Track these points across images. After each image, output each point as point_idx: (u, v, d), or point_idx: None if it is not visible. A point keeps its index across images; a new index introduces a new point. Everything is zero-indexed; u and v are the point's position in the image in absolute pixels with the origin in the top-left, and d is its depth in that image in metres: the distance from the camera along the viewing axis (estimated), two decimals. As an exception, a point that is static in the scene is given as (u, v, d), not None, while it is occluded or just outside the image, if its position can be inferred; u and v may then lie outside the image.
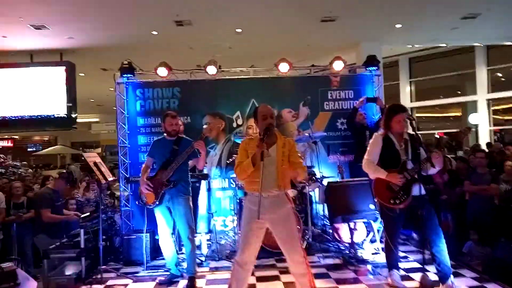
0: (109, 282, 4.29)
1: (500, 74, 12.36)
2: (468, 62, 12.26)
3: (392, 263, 3.82)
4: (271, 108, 3.25)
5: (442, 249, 3.45)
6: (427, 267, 3.70)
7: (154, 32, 7.92)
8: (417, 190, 3.52)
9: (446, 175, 5.58)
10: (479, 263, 4.32)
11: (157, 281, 4.26)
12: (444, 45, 10.82)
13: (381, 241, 4.76)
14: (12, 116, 8.71)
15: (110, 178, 4.62)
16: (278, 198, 3.12)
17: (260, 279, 4.21)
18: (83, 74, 10.36)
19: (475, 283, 3.83)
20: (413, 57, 12.97)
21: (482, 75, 12.08)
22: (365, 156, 3.73)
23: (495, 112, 12.53)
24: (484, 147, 9.33)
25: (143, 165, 4.32)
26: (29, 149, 21.18)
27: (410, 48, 11.62)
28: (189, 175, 4.29)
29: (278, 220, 3.12)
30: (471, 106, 12.49)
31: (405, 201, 3.52)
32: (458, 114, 13.70)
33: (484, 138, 11.66)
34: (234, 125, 6.07)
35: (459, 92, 13.27)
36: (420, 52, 12.36)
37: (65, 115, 8.73)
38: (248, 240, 3.13)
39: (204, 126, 4.15)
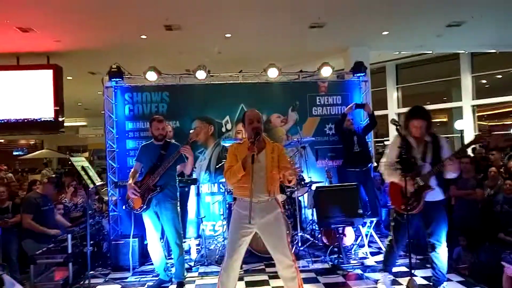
0: (97, 288, 4.25)
1: (484, 81, 12.62)
2: (453, 69, 12.50)
3: (387, 265, 3.83)
4: (258, 113, 3.25)
5: (442, 255, 3.49)
6: (414, 272, 3.74)
7: (143, 36, 7.90)
8: (432, 195, 3.43)
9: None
10: (466, 268, 4.40)
11: (146, 286, 4.23)
12: (430, 52, 11.01)
13: (382, 241, 4.82)
14: (-2, 120, 8.57)
15: (98, 183, 4.58)
16: (267, 203, 3.14)
17: (249, 284, 4.22)
18: (70, 78, 10.24)
19: (462, 287, 3.89)
20: (400, 63, 13.17)
21: (467, 82, 12.33)
22: (382, 159, 3.70)
23: (480, 118, 12.78)
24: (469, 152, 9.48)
25: (132, 170, 4.31)
26: (14, 153, 20.82)
27: (397, 55, 11.79)
28: (177, 180, 4.28)
29: (267, 225, 3.14)
30: (457, 112, 12.72)
31: (415, 207, 3.45)
32: (444, 119, 13.93)
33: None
34: (223, 129, 6.09)
35: (445, 99, 13.51)
36: (406, 59, 12.55)
37: (52, 119, 8.62)
38: (236, 245, 3.13)
39: (191, 131, 4.15)
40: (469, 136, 12.12)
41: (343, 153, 5.93)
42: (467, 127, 12.18)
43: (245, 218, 3.00)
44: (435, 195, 3.44)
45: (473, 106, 12.35)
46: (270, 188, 3.13)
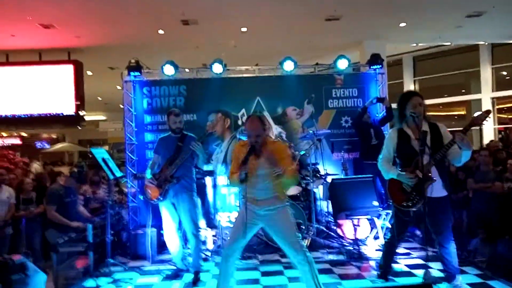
0: (116, 276, 4.37)
1: (505, 73, 12.31)
2: (472, 61, 12.23)
3: (387, 267, 3.72)
4: (258, 123, 3.15)
5: (451, 250, 3.37)
6: (430, 264, 3.73)
7: (161, 31, 8.01)
8: (434, 190, 3.20)
9: (459, 172, 5.59)
10: (484, 261, 4.36)
11: (163, 274, 4.35)
12: (449, 43, 10.80)
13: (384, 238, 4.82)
14: (21, 115, 8.84)
15: (119, 174, 4.71)
16: (269, 199, 3.18)
17: (264, 274, 4.29)
18: (90, 73, 10.47)
19: (478, 280, 3.85)
20: (417, 55, 12.96)
21: (486, 74, 12.06)
22: (380, 155, 3.56)
23: (500, 110, 12.50)
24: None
25: (150, 162, 4.42)
26: (37, 146, 21.38)
27: (414, 47, 11.60)
28: (194, 172, 4.37)
29: (271, 221, 3.20)
30: (476, 105, 12.46)
31: (417, 203, 3.26)
32: (463, 112, 13.67)
33: (488, 137, 11.64)
34: (240, 122, 6.14)
35: (464, 91, 13.24)
36: (424, 51, 12.34)
37: (73, 113, 8.85)
38: (236, 236, 3.20)
39: (208, 123, 4.23)
40: (488, 130, 11.90)
41: (360, 145, 5.92)
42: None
43: (248, 213, 3.10)
44: (438, 191, 3.24)
45: (492, 98, 12.08)
46: (278, 193, 3.17)
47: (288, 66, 5.99)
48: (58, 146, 20.24)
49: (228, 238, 3.32)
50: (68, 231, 4.75)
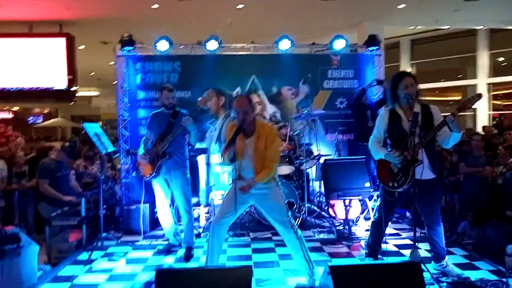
0: (109, 250, 4.42)
1: (502, 59, 12.30)
2: (470, 46, 12.18)
3: (376, 247, 3.76)
4: (245, 102, 3.20)
5: (439, 231, 3.41)
6: (418, 245, 3.80)
7: (155, 6, 7.84)
8: (423, 173, 3.17)
9: (454, 155, 5.64)
10: (471, 243, 4.45)
11: (156, 249, 4.39)
12: (447, 27, 10.73)
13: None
14: (11, 88, 8.69)
15: (111, 149, 4.69)
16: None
17: (256, 250, 4.35)
18: (83, 47, 10.28)
19: (465, 260, 3.94)
20: (415, 39, 12.87)
21: (483, 59, 12.04)
22: (371, 135, 3.54)
23: (495, 97, 12.55)
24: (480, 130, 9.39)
25: (143, 138, 4.40)
26: (29, 121, 21.18)
27: (412, 30, 11.51)
28: (186, 148, 4.36)
29: (262, 196, 3.25)
30: (471, 90, 12.50)
31: (403, 184, 3.26)
32: (458, 98, 13.71)
33: (482, 123, 11.73)
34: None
35: (460, 76, 13.24)
36: (422, 34, 12.25)
37: (65, 88, 8.72)
38: (226, 212, 3.27)
39: (199, 98, 4.21)
40: (482, 115, 11.97)
41: (356, 127, 5.91)
42: (481, 105, 11.99)
43: (237, 191, 3.15)
44: (426, 173, 3.22)
45: (488, 84, 12.10)
46: (258, 166, 3.19)
47: (284, 45, 5.91)
48: (51, 121, 20.05)
49: (218, 212, 3.36)
50: (61, 205, 4.76)
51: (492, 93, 12.33)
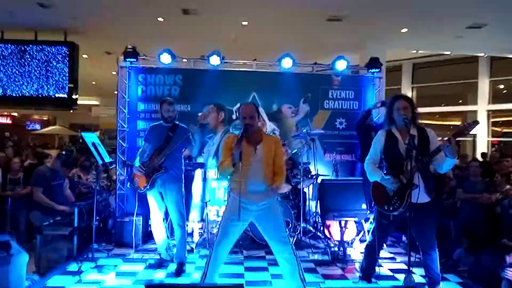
0: (100, 262, 4.35)
1: (502, 86, 12.40)
2: (471, 72, 12.29)
3: (369, 271, 3.71)
4: (252, 108, 3.23)
5: (434, 258, 3.36)
6: (413, 269, 3.75)
7: (160, 19, 7.92)
8: (418, 196, 3.11)
9: (454, 180, 5.62)
10: (466, 270, 4.39)
11: (147, 263, 4.32)
12: (448, 53, 10.85)
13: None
14: (12, 94, 8.70)
15: (108, 160, 4.65)
16: (261, 192, 3.16)
17: (248, 269, 4.28)
18: (86, 56, 10.35)
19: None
20: (416, 63, 12.99)
21: (484, 86, 12.14)
22: (367, 156, 3.53)
23: (494, 124, 12.60)
24: (479, 157, 9.40)
25: (140, 150, 4.38)
26: (28, 128, 21.15)
27: (414, 54, 11.63)
28: (183, 163, 4.33)
29: (262, 212, 3.18)
30: (471, 116, 12.56)
31: (398, 207, 3.22)
32: (458, 123, 13.77)
33: (481, 149, 11.74)
34: (234, 117, 6.10)
35: (461, 101, 13.33)
36: (424, 59, 12.38)
37: (65, 96, 8.74)
38: (227, 233, 3.18)
39: (199, 114, 4.21)
40: (482, 141, 11.99)
41: (361, 148, 5.87)
42: (480, 131, 12.02)
43: (238, 207, 3.06)
44: (422, 197, 3.18)
45: (488, 111, 12.17)
46: (268, 180, 3.16)
47: (287, 63, 5.96)
48: (49, 128, 20.05)
49: (218, 234, 3.25)
50: (53, 214, 4.71)
51: (492, 120, 12.38)
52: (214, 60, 5.85)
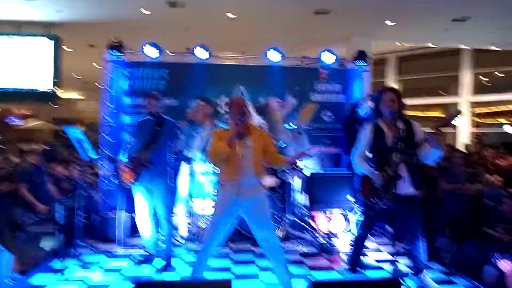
0: (85, 258, 4.30)
1: (485, 79, 12.60)
2: (454, 65, 12.46)
3: (356, 262, 3.78)
4: (243, 101, 3.30)
5: (419, 246, 3.43)
6: (398, 259, 3.81)
7: (146, 11, 7.80)
8: (403, 188, 3.22)
9: (435, 171, 5.68)
10: (448, 258, 4.48)
11: (133, 259, 4.29)
12: (434, 45, 10.95)
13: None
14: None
15: (93, 156, 4.59)
16: (253, 186, 3.16)
17: (236, 262, 4.30)
18: (70, 49, 10.14)
19: (442, 275, 4.00)
20: (402, 55, 13.10)
21: (466, 78, 12.32)
22: (354, 148, 3.56)
23: (476, 115, 12.81)
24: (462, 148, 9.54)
25: (126, 145, 4.32)
26: (9, 122, 20.65)
27: (399, 47, 11.73)
28: (170, 157, 4.30)
29: (251, 207, 3.18)
30: (453, 108, 12.73)
31: (384, 199, 3.28)
32: (441, 115, 13.94)
33: (463, 140, 11.94)
34: (222, 110, 6.05)
35: (444, 94, 13.49)
36: (409, 52, 12.49)
37: (49, 90, 8.57)
38: (218, 229, 3.19)
39: (189, 110, 4.18)
40: (463, 133, 12.19)
41: (347, 141, 5.89)
42: (462, 123, 12.20)
43: (230, 202, 3.10)
44: (407, 188, 3.25)
45: (470, 102, 12.37)
46: (257, 171, 3.16)
47: (274, 56, 5.94)
48: (31, 123, 19.63)
49: (209, 229, 3.25)
50: (36, 211, 4.62)
51: (474, 111, 12.58)
52: (200, 53, 5.80)
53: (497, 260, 3.71)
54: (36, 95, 8.62)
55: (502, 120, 12.77)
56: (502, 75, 12.26)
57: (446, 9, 7.52)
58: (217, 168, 3.66)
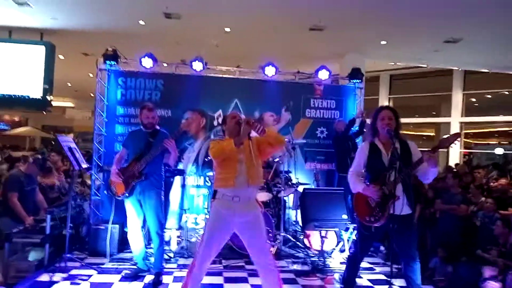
0: (73, 272, 4.17)
1: (474, 100, 12.84)
2: (445, 85, 12.68)
3: (349, 282, 3.65)
4: (240, 115, 3.29)
5: (416, 269, 3.34)
6: (392, 280, 3.77)
7: (142, 22, 7.79)
8: (399, 208, 3.14)
9: (430, 191, 5.71)
10: (442, 280, 4.45)
11: (122, 274, 4.16)
12: (425, 65, 11.15)
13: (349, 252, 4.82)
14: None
15: (84, 166, 4.49)
16: (248, 201, 3.10)
17: (228, 280, 4.20)
18: (62, 57, 10.06)
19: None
20: (394, 74, 13.30)
21: (457, 99, 12.53)
22: (351, 167, 3.50)
23: (466, 135, 13.01)
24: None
25: (117, 155, 4.25)
26: (-2, 129, 20.33)
27: (392, 65, 11.90)
28: (163, 169, 4.23)
29: (247, 224, 3.11)
30: (444, 128, 12.92)
31: (380, 219, 3.21)
32: (432, 134, 14.13)
33: (454, 160, 12.07)
34: (215, 123, 6.03)
35: (434, 113, 13.70)
36: (401, 70, 12.68)
37: (40, 97, 8.45)
38: (211, 245, 3.11)
39: (183, 121, 4.13)
40: (454, 152, 12.33)
41: (338, 158, 5.89)
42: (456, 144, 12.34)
43: (224, 218, 3.03)
44: (402, 208, 3.18)
45: (461, 123, 12.55)
46: (253, 180, 3.09)
47: (269, 71, 5.95)
48: (20, 130, 19.33)
49: (203, 245, 3.15)
50: (23, 222, 4.49)
51: (464, 131, 12.77)
52: (197, 66, 5.79)
53: (486, 283, 3.69)
54: (26, 102, 8.49)
55: (491, 141, 13.00)
56: (490, 96, 12.52)
57: (438, 30, 7.67)
58: (212, 173, 3.56)
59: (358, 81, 6.25)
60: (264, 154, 3.22)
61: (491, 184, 6.24)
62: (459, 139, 3.15)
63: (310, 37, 8.25)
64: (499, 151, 12.07)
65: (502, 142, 13.14)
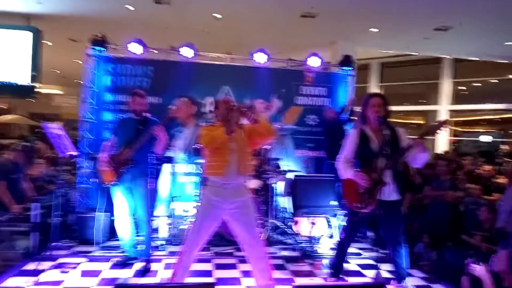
0: (60, 260, 4.15)
1: (463, 88, 12.93)
2: (434, 73, 12.74)
3: (338, 268, 3.72)
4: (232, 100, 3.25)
5: (401, 253, 3.41)
6: (380, 265, 3.83)
7: (131, 7, 7.65)
8: (388, 194, 3.22)
9: (419, 178, 5.76)
10: (428, 264, 4.53)
11: (111, 261, 4.16)
12: (416, 53, 11.17)
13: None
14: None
15: (73, 153, 4.44)
16: (238, 188, 3.10)
17: (218, 266, 4.22)
18: (50, 43, 9.86)
19: (423, 282, 4.02)
20: (384, 62, 13.31)
21: (446, 87, 12.61)
22: (340, 154, 3.53)
23: (454, 123, 13.14)
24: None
25: (106, 142, 4.20)
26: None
27: (382, 53, 11.91)
28: (152, 157, 4.20)
29: (237, 210, 3.11)
30: (433, 116, 13.02)
31: (369, 205, 3.26)
32: (420, 121, 14.23)
33: (442, 147, 12.21)
34: (205, 110, 5.99)
35: (424, 101, 13.79)
36: (392, 58, 12.70)
37: (27, 84, 8.30)
38: (201, 232, 3.11)
39: (171, 107, 4.10)
40: (441, 141, 12.47)
41: (328, 145, 5.91)
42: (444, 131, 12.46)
43: (214, 205, 3.02)
44: (391, 194, 3.26)
45: (449, 110, 12.66)
46: (243, 169, 3.09)
47: (260, 58, 5.91)
48: (8, 117, 19.00)
49: (192, 232, 3.15)
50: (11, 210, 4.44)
51: (453, 119, 12.89)
52: (186, 52, 5.72)
53: (472, 266, 3.76)
54: (13, 89, 8.34)
55: (478, 129, 13.14)
56: (479, 84, 12.62)
57: (428, 18, 7.67)
58: (202, 162, 3.53)
59: (349, 68, 6.24)
60: (254, 144, 3.21)
61: (477, 171, 6.32)
62: (447, 125, 3.17)
63: (302, 24, 8.20)
64: (487, 138, 12.23)
65: (489, 130, 13.30)
